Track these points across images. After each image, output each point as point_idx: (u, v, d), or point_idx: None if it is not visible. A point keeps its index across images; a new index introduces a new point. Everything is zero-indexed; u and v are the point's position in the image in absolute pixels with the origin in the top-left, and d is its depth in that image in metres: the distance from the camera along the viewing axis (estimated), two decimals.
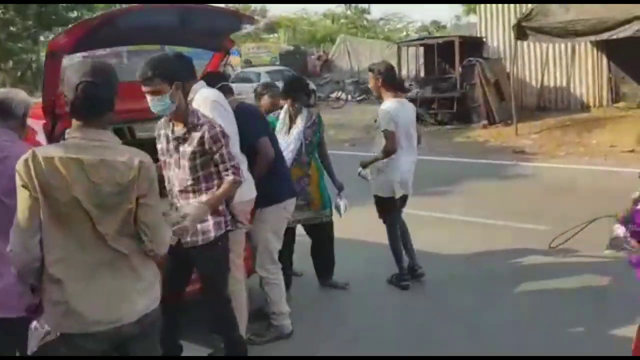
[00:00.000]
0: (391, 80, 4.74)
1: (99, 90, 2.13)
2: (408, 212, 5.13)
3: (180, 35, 3.82)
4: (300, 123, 4.43)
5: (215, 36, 4.03)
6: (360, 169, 4.80)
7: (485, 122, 14.10)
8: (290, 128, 4.44)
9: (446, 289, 4.80)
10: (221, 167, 3.05)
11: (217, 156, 3.03)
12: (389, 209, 4.79)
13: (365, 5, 41.19)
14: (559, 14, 11.38)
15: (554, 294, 4.57)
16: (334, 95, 21.30)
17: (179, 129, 3.05)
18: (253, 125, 3.74)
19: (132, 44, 4.80)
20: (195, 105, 3.22)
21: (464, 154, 11.44)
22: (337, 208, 4.83)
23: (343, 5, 39.91)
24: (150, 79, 2.88)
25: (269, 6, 42.34)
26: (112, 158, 2.11)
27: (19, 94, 2.82)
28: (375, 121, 4.76)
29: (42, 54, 16.82)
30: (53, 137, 3.77)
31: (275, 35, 39.45)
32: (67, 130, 2.18)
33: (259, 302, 4.12)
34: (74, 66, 2.21)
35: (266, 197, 3.74)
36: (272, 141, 3.88)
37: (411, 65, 17.82)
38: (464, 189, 8.44)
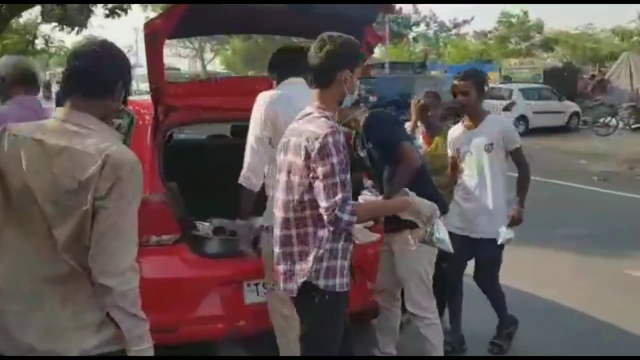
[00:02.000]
0: None
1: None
2: None
3: (298, 23, 3.24)
4: None
5: (346, 28, 3.34)
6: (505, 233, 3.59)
7: None
8: None
9: None
10: None
11: None
12: None
13: None
14: None
15: None
16: (602, 120, 18.58)
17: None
18: (390, 129, 3.12)
19: (240, 32, 4.36)
20: None
21: None
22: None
23: (638, 19, 34.49)
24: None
25: (546, 20, 39.13)
26: (80, 148, 1.66)
27: (35, 63, 2.70)
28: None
29: None
30: (160, 129, 3.56)
31: (551, 53, 36.36)
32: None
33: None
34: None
35: None
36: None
37: None
38: None
